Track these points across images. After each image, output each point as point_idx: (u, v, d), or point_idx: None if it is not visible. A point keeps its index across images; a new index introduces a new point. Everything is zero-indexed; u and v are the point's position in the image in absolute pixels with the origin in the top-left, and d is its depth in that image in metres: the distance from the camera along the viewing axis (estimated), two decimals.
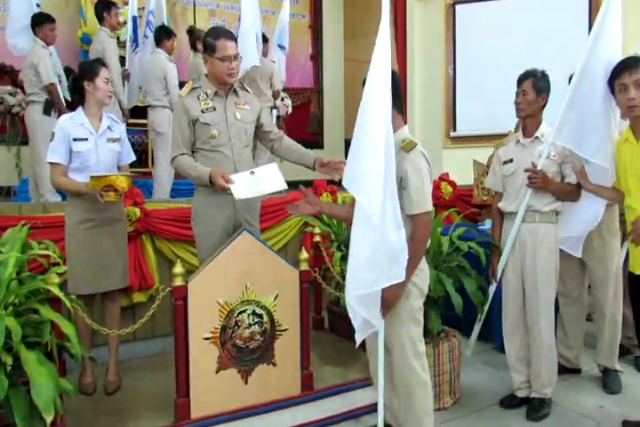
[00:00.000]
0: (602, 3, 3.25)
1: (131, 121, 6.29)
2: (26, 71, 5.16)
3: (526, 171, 3.22)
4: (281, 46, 7.26)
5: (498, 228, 3.48)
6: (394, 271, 2.42)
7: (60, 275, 2.79)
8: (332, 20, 9.76)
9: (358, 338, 2.57)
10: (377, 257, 2.38)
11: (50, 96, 5.12)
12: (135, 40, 6.19)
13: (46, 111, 5.11)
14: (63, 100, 5.21)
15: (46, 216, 3.75)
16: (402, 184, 2.53)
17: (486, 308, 3.60)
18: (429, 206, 2.59)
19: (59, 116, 3.66)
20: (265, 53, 6.66)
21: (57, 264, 2.92)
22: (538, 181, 3.18)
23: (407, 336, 2.65)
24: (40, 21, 5.23)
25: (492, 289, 3.57)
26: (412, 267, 2.55)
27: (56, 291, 2.57)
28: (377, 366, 2.67)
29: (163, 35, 5.87)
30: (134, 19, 6.20)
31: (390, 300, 2.54)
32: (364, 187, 2.37)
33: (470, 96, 7.03)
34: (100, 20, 5.72)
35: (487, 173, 3.85)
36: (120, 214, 3.42)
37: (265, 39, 6.65)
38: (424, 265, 2.70)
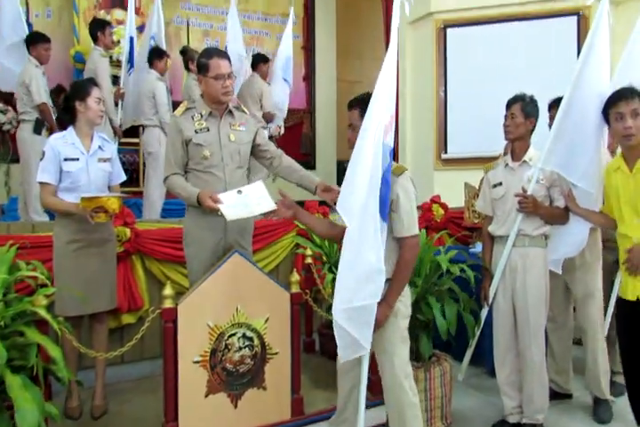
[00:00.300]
0: (589, 28, 3.29)
1: (122, 140, 6.26)
2: (18, 90, 5.15)
3: (517, 196, 3.24)
4: (285, 80, 7.24)
5: (488, 251, 3.48)
6: (369, 290, 2.43)
7: (47, 296, 2.76)
8: (324, 41, 9.83)
9: (344, 356, 2.55)
10: (354, 274, 2.43)
11: (41, 115, 5.10)
12: (131, 61, 6.19)
13: (37, 130, 5.08)
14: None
15: (35, 236, 3.71)
16: (392, 207, 2.56)
17: (478, 332, 3.57)
18: (417, 230, 2.62)
19: (50, 135, 3.64)
20: (264, 75, 6.70)
21: (45, 285, 2.88)
22: (528, 205, 3.19)
23: (397, 356, 2.64)
24: (35, 40, 5.23)
25: (483, 313, 3.54)
26: (398, 289, 2.61)
27: (43, 313, 2.54)
28: (351, 388, 2.72)
29: (154, 55, 5.90)
30: (131, 39, 6.20)
31: (379, 320, 2.54)
32: (352, 208, 2.44)
33: (461, 118, 7.07)
34: (95, 39, 5.74)
35: (478, 196, 3.85)
36: (109, 235, 3.39)
37: (265, 59, 6.70)
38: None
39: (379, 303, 2.49)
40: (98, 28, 5.73)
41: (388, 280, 2.53)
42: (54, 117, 5.09)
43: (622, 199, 2.81)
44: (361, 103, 2.66)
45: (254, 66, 6.74)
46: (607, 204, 3.00)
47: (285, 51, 7.22)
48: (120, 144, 5.90)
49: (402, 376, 2.63)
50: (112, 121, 5.69)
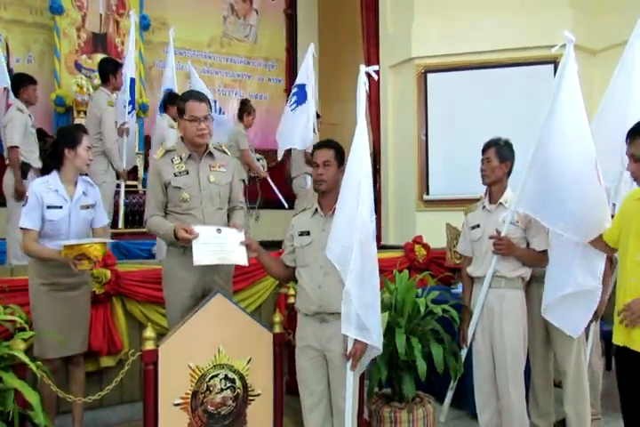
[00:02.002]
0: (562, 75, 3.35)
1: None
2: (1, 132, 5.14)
3: (491, 238, 3.28)
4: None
5: (468, 291, 3.51)
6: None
7: (25, 340, 2.72)
8: None
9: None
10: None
11: (8, 158, 5.01)
12: (132, 103, 6.15)
13: (22, 174, 5.03)
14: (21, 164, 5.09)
15: (13, 279, 3.66)
16: None
17: (459, 374, 3.53)
18: None
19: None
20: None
21: (23, 329, 2.84)
22: (502, 247, 3.23)
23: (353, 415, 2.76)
24: (24, 82, 5.24)
25: (463, 354, 3.53)
26: None
27: (22, 357, 2.50)
28: (322, 422, 2.85)
29: (168, 101, 6.00)
30: (132, 81, 6.20)
31: (361, 351, 2.71)
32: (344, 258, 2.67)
33: (443, 161, 7.16)
34: (105, 79, 5.53)
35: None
36: (86, 277, 3.37)
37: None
38: None
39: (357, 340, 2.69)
40: (111, 68, 5.54)
41: None
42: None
43: (633, 230, 2.64)
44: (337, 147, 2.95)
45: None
46: (612, 231, 2.85)
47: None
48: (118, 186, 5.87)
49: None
50: (114, 165, 5.52)
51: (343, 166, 2.90)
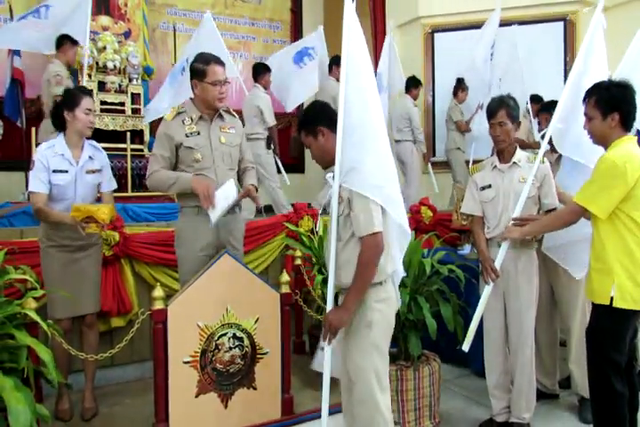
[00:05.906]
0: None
1: (110, 146, 6.24)
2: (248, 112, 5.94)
3: (514, 219, 3.13)
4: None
5: (483, 240, 3.33)
6: None
7: (36, 300, 2.76)
8: None
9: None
10: None
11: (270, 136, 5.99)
12: None
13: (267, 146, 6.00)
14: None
15: (22, 241, 3.70)
16: (350, 206, 2.43)
17: (480, 311, 3.24)
18: (376, 228, 2.40)
19: None
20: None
21: (34, 289, 2.88)
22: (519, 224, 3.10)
23: (372, 369, 2.45)
24: (262, 71, 6.08)
25: (486, 291, 3.22)
26: (357, 292, 2.42)
27: (33, 315, 2.54)
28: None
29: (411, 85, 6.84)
30: None
31: (334, 326, 2.40)
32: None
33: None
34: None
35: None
36: (95, 239, 3.39)
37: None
38: (391, 292, 2.58)
39: (336, 308, 2.46)
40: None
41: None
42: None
43: None
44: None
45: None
46: None
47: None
48: (108, 150, 5.89)
49: (377, 391, 2.45)
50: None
51: None
